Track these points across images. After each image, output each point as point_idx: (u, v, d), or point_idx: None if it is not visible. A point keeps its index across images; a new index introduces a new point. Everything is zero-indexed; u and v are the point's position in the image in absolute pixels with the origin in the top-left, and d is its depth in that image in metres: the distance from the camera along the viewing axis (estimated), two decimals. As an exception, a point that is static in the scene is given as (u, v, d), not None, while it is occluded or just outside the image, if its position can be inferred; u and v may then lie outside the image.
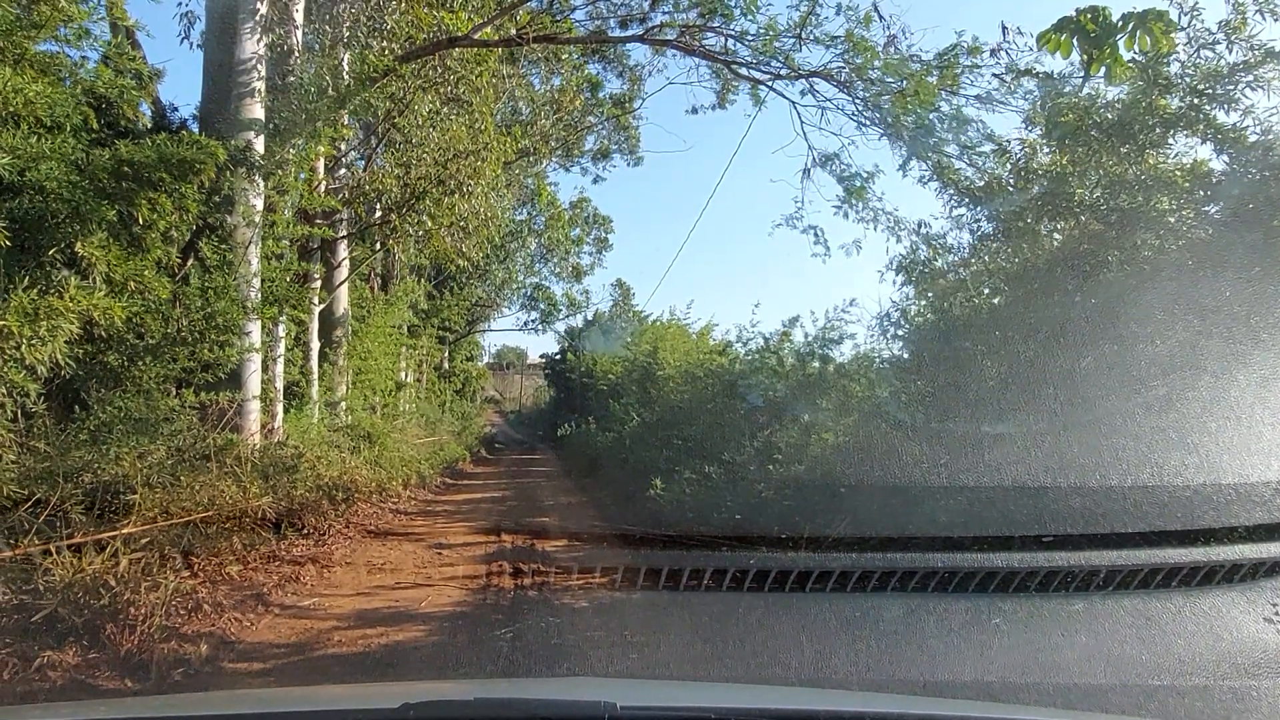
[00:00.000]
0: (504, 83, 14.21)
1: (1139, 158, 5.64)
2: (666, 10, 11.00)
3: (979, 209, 7.21)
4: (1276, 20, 5.40)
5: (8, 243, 4.85)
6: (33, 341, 4.64)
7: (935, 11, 34.99)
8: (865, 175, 10.24)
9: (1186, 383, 4.99)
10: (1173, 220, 5.39)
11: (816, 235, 11.03)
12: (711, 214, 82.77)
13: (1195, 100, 5.36)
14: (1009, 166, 7.14)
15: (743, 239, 78.41)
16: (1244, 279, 4.97)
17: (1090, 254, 5.71)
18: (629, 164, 22.54)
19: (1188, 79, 5.43)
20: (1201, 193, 5.41)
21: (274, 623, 5.13)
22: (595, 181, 29.02)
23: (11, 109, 5.34)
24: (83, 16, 6.07)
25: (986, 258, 7.09)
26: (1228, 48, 5.41)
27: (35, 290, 4.96)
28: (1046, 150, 6.56)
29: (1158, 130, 5.54)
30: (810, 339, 8.60)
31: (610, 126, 20.86)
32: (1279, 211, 5.00)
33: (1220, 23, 5.46)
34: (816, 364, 8.47)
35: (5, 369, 4.64)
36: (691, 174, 66.96)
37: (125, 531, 4.93)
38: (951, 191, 7.92)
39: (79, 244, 5.37)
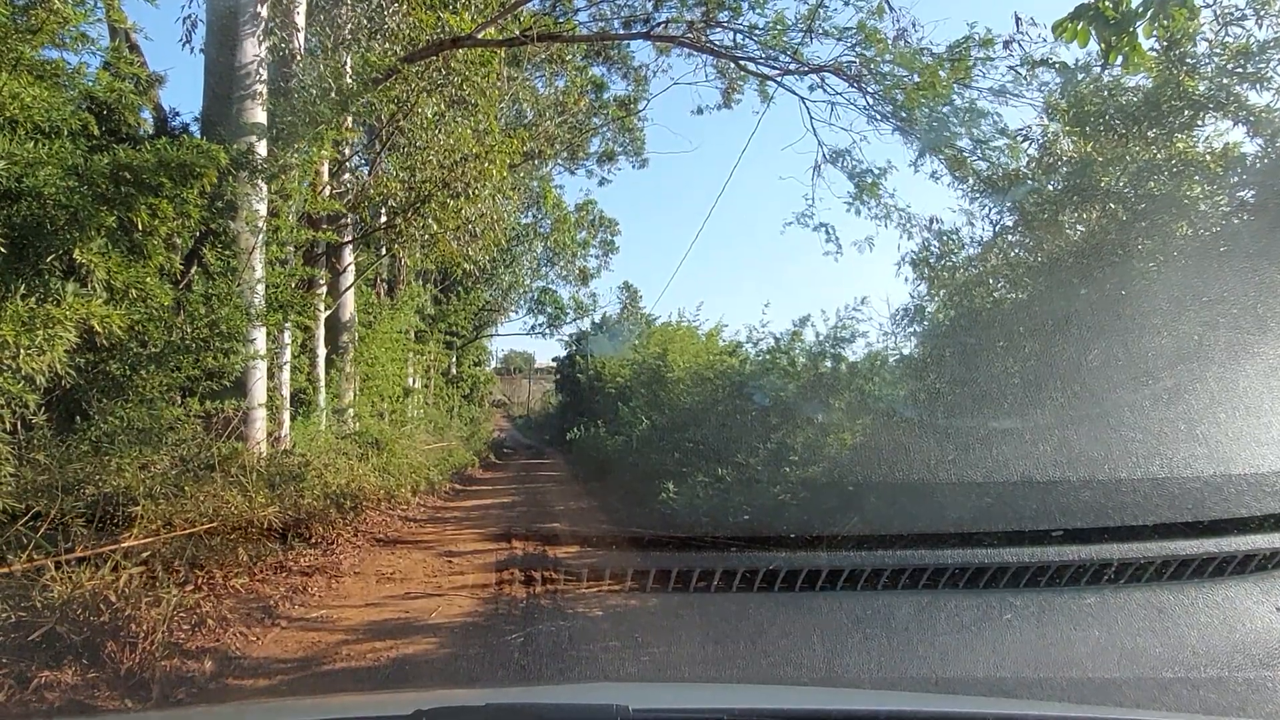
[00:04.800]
0: (508, 85, 14.14)
1: (1168, 142, 5.49)
2: (672, 7, 10.91)
3: (998, 201, 7.08)
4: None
5: (4, 250, 4.76)
6: (30, 351, 4.53)
7: (944, 3, 34.74)
8: (877, 171, 10.13)
9: (1209, 372, 4.92)
10: (1204, 206, 5.24)
11: (828, 233, 10.97)
12: (719, 214, 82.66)
13: (1224, 80, 5.21)
14: (1027, 156, 7.02)
15: (751, 238, 78.14)
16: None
17: (1118, 243, 5.58)
18: (634, 166, 22.65)
19: (1216, 58, 5.28)
20: (1235, 178, 5.27)
21: (281, 636, 5.02)
22: (601, 184, 29.15)
23: (8, 114, 5.26)
24: (80, 19, 5.98)
25: (1005, 251, 6.97)
26: (1257, 23, 5.27)
27: (32, 299, 4.85)
28: (1069, 140, 6.41)
29: (1186, 113, 5.40)
30: (821, 338, 8.56)
31: (615, 128, 20.84)
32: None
33: (1248, -3, 5.31)
34: (828, 363, 8.38)
35: (2, 380, 4.53)
36: (698, 174, 66.99)
37: (127, 544, 4.82)
38: (969, 184, 7.78)
39: (77, 251, 5.29)
